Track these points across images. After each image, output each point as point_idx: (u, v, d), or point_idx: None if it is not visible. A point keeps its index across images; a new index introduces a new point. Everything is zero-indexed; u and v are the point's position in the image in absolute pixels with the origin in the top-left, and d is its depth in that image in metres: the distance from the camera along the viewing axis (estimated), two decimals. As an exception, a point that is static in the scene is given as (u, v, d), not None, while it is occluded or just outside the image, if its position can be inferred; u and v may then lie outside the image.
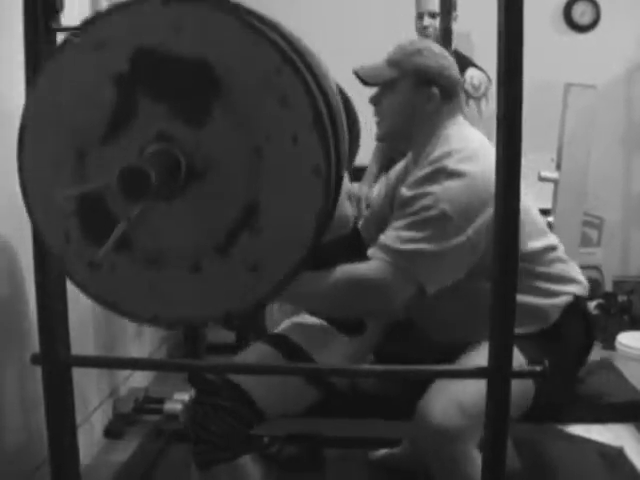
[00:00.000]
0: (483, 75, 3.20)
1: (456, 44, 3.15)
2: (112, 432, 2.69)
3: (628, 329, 3.47)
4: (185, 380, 2.60)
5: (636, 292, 4.17)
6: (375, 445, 2.47)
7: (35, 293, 1.32)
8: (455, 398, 1.60)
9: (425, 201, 1.63)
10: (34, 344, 1.38)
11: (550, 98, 3.71)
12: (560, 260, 1.83)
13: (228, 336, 3.07)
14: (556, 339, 1.76)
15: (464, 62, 3.12)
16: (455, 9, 3.21)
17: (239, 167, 1.08)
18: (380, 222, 1.86)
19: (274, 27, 1.09)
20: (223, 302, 1.14)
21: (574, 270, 1.87)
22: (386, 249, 1.62)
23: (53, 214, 1.16)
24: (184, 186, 1.09)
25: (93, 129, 1.11)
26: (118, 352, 2.89)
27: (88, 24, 1.10)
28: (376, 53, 1.87)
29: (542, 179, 3.20)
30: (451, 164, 1.65)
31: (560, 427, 2.27)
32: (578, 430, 2.24)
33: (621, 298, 4.11)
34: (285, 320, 1.88)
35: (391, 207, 1.86)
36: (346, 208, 1.70)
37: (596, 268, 4.46)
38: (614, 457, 2.35)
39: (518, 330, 1.31)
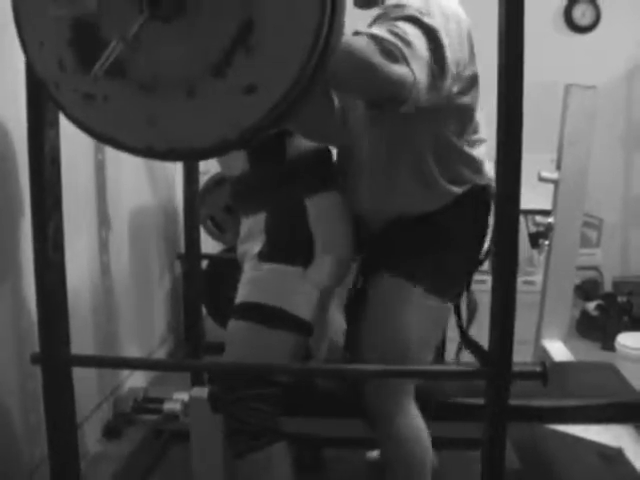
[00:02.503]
0: None
1: None
2: (111, 431, 2.69)
3: (628, 330, 3.47)
4: (184, 380, 2.61)
5: (636, 293, 4.17)
6: (373, 445, 2.47)
7: (35, 293, 1.32)
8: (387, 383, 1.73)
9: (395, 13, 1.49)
10: (34, 343, 1.38)
11: (550, 98, 3.71)
12: (481, 143, 1.78)
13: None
14: (453, 219, 1.75)
15: None
16: None
17: None
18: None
19: None
20: (219, 127, 1.11)
21: (480, 156, 1.80)
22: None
23: (47, 42, 1.14)
24: (180, 5, 1.07)
25: None
26: (118, 352, 2.89)
27: None
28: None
29: (542, 180, 3.20)
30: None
31: (559, 427, 2.26)
32: (577, 430, 2.24)
33: (621, 299, 4.11)
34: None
35: None
36: (333, 97, 1.67)
37: (595, 269, 4.47)
38: (613, 458, 2.34)
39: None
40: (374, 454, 2.44)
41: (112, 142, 1.18)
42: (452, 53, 1.48)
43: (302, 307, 1.73)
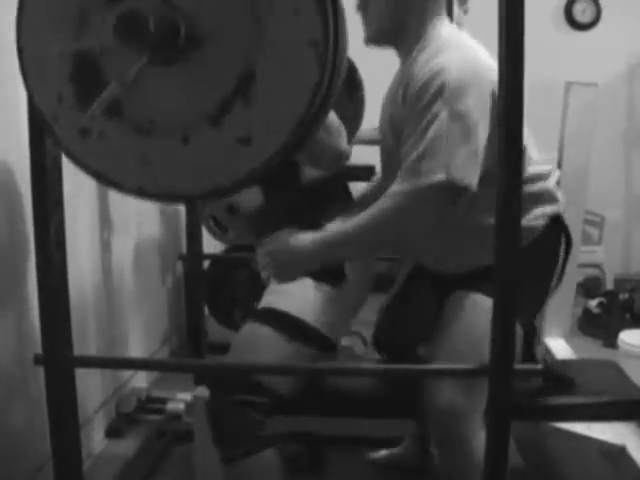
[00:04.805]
0: None
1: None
2: (114, 432, 2.69)
3: (630, 327, 3.46)
4: (187, 380, 2.61)
5: (637, 290, 4.16)
6: (375, 445, 2.47)
7: (37, 294, 1.32)
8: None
9: (430, 116, 1.54)
10: (37, 344, 1.38)
11: (551, 96, 3.71)
12: (533, 180, 1.77)
13: (230, 335, 3.08)
14: (535, 256, 1.73)
15: None
16: (467, 1, 3.19)
17: (238, 36, 1.07)
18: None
19: None
20: (212, 175, 1.13)
21: (550, 187, 1.81)
22: (418, 172, 1.53)
23: (48, 76, 1.15)
24: (181, 52, 1.08)
25: None
26: (120, 352, 2.89)
27: None
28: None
29: (543, 177, 3.20)
30: (449, 60, 1.57)
31: (562, 425, 2.26)
32: (580, 428, 2.24)
33: (622, 296, 4.10)
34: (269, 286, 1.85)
35: (392, 123, 1.77)
36: (340, 142, 1.67)
37: (597, 266, 4.47)
38: (616, 455, 2.34)
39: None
40: (379, 454, 2.44)
41: (104, 179, 1.19)
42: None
43: (325, 323, 1.74)
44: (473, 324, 1.67)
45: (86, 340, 2.51)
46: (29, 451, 2.11)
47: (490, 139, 1.53)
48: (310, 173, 1.78)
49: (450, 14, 1.91)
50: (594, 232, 4.37)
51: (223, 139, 1.10)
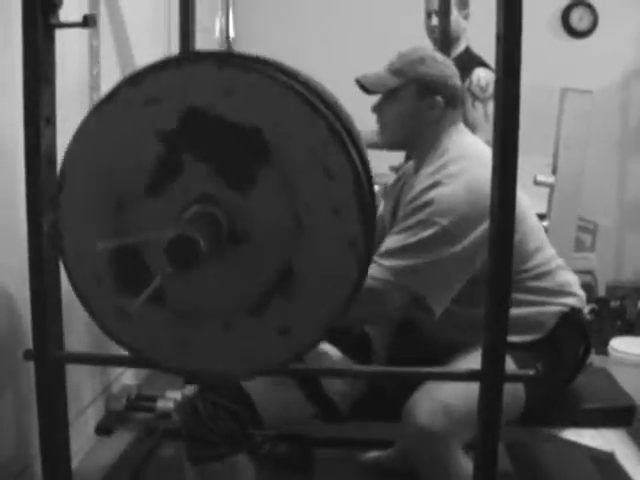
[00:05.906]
0: (491, 75, 3.05)
1: (468, 42, 3.15)
2: (104, 429, 2.68)
3: (621, 334, 3.48)
4: (177, 378, 2.60)
5: (629, 297, 4.18)
6: (366, 447, 2.47)
7: (29, 290, 1.32)
8: (441, 400, 1.62)
9: (421, 215, 1.64)
10: (27, 340, 1.38)
11: (547, 103, 3.72)
12: (556, 273, 1.83)
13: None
14: (550, 348, 1.76)
15: (473, 61, 3.09)
16: (467, 6, 3.20)
17: (278, 233, 1.10)
18: (382, 232, 1.86)
19: (319, 94, 1.11)
20: (249, 361, 1.17)
21: (570, 282, 1.87)
22: (382, 267, 1.63)
23: (86, 260, 1.17)
24: (223, 246, 1.11)
25: (135, 183, 1.13)
26: (111, 349, 2.88)
27: (140, 77, 1.10)
28: (384, 52, 1.87)
29: (537, 183, 3.21)
30: (449, 175, 1.66)
31: (552, 431, 2.26)
32: (569, 434, 2.23)
33: (614, 303, 4.11)
34: None
35: (394, 216, 1.86)
36: None
37: (590, 273, 4.47)
38: (605, 462, 2.34)
39: (512, 338, 1.32)
40: (369, 456, 2.44)
41: (141, 356, 1.23)
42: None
43: (337, 394, 1.78)
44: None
45: (77, 337, 2.50)
46: (17, 448, 2.10)
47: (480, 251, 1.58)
48: None
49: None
50: (587, 239, 4.37)
51: (263, 328, 1.14)
